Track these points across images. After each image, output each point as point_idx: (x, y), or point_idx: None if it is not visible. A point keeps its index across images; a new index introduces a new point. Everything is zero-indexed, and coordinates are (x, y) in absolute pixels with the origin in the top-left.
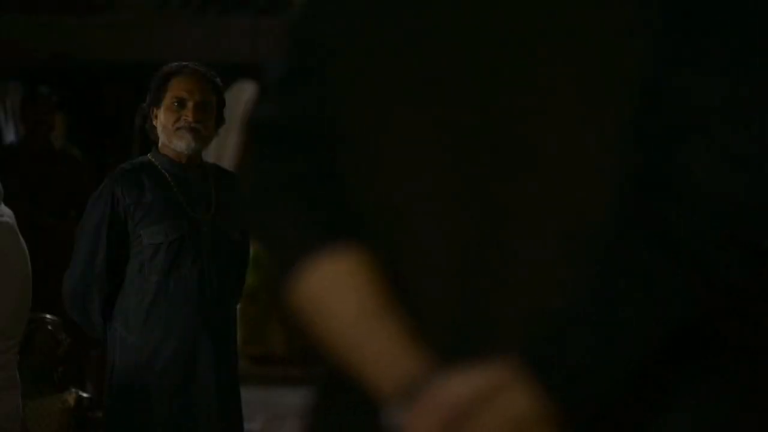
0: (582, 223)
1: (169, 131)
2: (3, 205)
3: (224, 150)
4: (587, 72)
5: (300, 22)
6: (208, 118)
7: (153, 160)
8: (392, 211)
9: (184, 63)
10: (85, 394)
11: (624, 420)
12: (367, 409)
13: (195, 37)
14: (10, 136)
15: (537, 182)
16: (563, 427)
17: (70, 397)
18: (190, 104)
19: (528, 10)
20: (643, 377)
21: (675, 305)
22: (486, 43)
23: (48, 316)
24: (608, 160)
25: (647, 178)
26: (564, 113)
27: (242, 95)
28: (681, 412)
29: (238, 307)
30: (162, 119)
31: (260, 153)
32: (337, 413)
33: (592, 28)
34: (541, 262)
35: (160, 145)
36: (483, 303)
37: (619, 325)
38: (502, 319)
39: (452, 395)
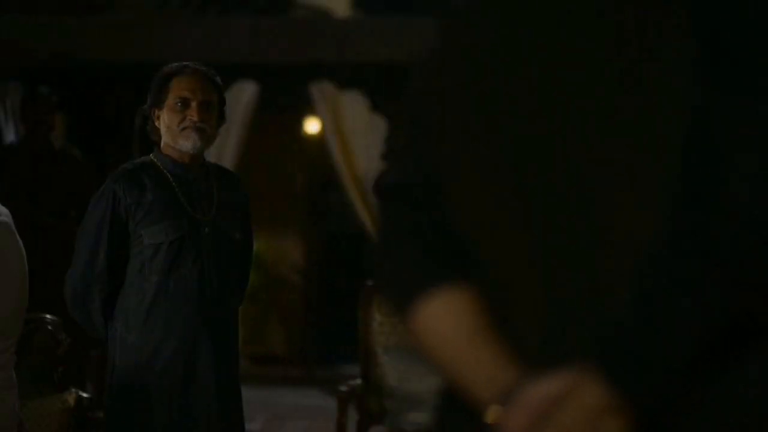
0: (644, 241)
1: (174, 132)
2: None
3: (224, 150)
4: (643, 107)
5: (413, 88)
6: (212, 117)
7: (155, 160)
8: (487, 254)
9: (184, 63)
10: (85, 394)
11: (677, 407)
12: (474, 413)
13: (195, 37)
14: (10, 136)
15: (604, 214)
16: (631, 414)
17: (70, 397)
18: (193, 104)
19: (587, 61)
20: (695, 369)
21: (718, 307)
22: (556, 92)
23: (48, 316)
24: (663, 184)
25: (697, 197)
26: (625, 144)
27: (242, 95)
28: (726, 398)
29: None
30: (166, 120)
31: (388, 210)
32: (453, 417)
33: (644, 67)
34: (611, 288)
35: (162, 145)
36: (562, 326)
37: (670, 327)
38: (576, 339)
39: (538, 395)
